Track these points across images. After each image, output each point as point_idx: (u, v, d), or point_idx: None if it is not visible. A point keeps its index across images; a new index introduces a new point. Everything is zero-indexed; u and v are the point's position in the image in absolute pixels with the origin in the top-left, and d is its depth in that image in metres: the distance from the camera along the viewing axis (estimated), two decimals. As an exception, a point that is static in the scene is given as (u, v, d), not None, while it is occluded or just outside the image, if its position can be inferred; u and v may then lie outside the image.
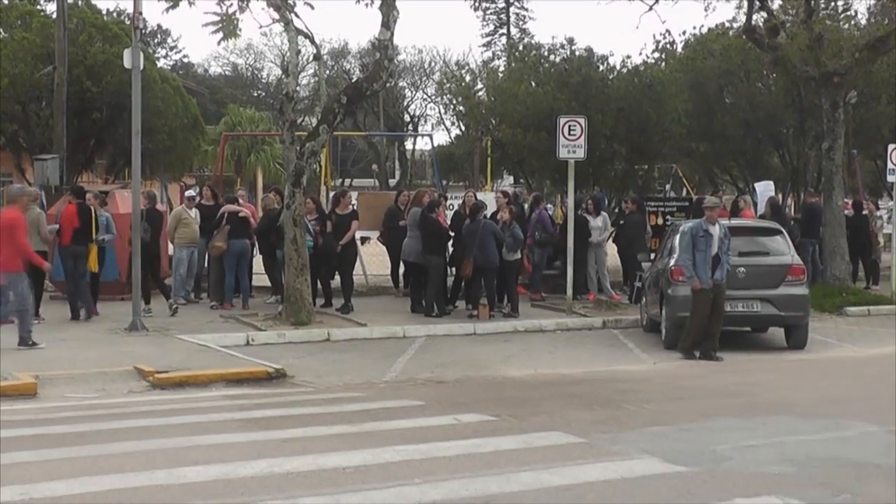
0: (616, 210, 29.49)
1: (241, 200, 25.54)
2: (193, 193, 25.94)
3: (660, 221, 28.33)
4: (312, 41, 23.16)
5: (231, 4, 22.05)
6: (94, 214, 21.84)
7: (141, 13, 20.79)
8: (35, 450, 10.47)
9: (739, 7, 32.18)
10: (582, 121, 23.81)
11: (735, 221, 22.22)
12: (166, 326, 20.65)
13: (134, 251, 20.76)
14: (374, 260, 28.99)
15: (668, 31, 36.29)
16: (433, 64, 78.67)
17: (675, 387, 15.36)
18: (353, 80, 33.75)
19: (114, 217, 22.77)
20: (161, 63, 69.45)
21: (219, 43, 22.59)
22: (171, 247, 24.82)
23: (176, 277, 24.55)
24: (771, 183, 33.40)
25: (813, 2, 28.57)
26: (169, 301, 22.74)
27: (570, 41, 33.15)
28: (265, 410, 13.31)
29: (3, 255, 17.60)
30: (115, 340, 19.20)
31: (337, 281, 24.28)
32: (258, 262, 25.07)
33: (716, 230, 18.28)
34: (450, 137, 72.49)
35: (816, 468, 9.76)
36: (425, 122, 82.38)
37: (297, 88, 25.94)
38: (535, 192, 30.94)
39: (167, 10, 21.53)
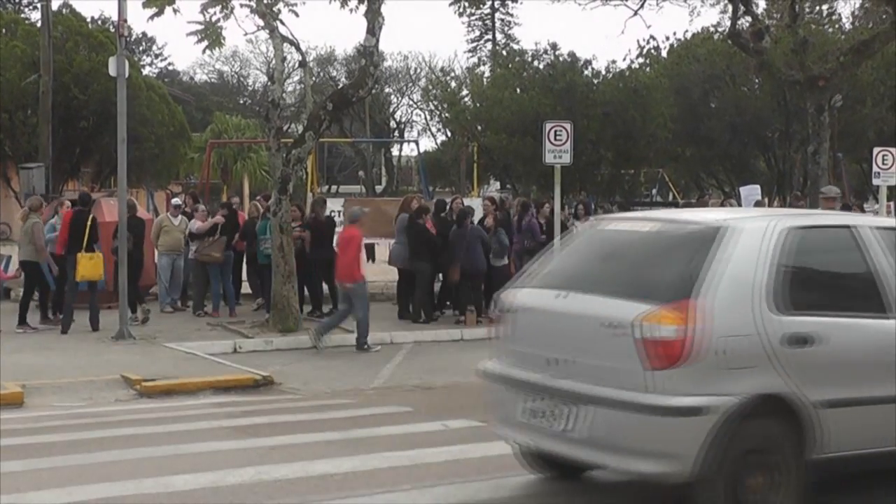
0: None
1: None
2: (180, 202, 25.89)
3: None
4: (298, 48, 23.18)
5: (214, 13, 22.04)
6: (90, 222, 21.49)
7: (126, 21, 20.75)
8: (23, 459, 10.43)
9: (724, 12, 32.33)
10: (568, 126, 23.81)
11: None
12: (153, 335, 20.60)
13: (120, 260, 20.69)
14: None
15: (653, 36, 36.42)
16: (419, 70, 78.51)
17: (663, 391, 15.35)
18: (339, 87, 33.80)
19: (100, 225, 22.64)
20: (147, 71, 69.54)
21: (204, 51, 22.60)
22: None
23: (161, 285, 24.54)
24: (757, 187, 33.45)
25: (797, 6, 28.64)
26: (143, 306, 22.67)
27: (554, 46, 33.19)
28: (253, 418, 13.28)
29: (342, 268, 19.82)
30: (102, 349, 19.14)
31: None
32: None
33: None
34: (436, 143, 72.52)
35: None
36: (411, 128, 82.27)
37: (283, 95, 25.92)
38: (521, 198, 30.81)
39: (152, 17, 21.53)
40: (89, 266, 21.09)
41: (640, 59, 35.15)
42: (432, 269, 23.21)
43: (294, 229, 22.55)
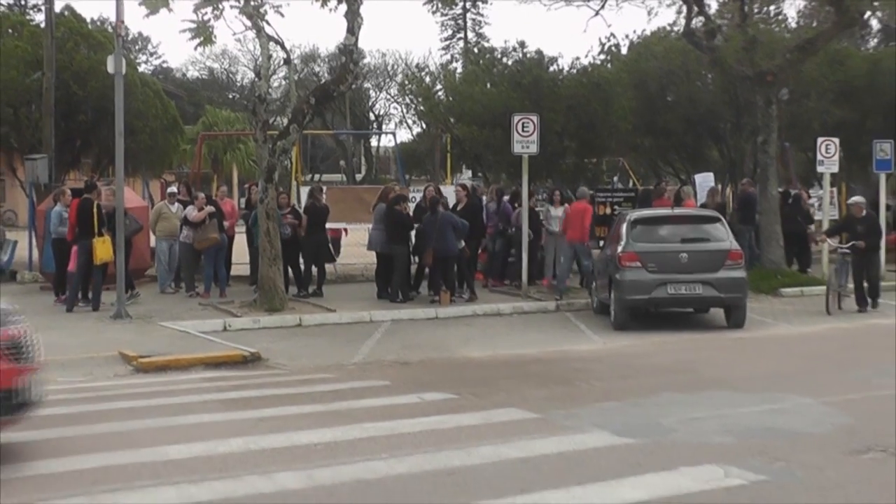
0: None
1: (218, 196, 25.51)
2: (175, 190, 25.80)
3: (608, 211, 28.32)
4: (283, 47, 23.08)
5: (206, 13, 21.95)
6: (95, 207, 21.29)
7: (123, 22, 20.70)
8: (25, 431, 10.38)
9: (679, 12, 32.22)
10: (534, 118, 23.78)
11: (678, 210, 22.34)
12: (149, 314, 20.53)
13: (117, 245, 20.60)
14: (343, 250, 28.86)
15: (613, 34, 36.41)
16: (396, 66, 78.18)
17: (624, 365, 15.37)
18: (322, 83, 33.60)
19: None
20: (142, 68, 69.09)
21: (196, 48, 22.49)
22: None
23: (160, 268, 24.49)
24: (711, 174, 33.46)
25: (747, 7, 28.64)
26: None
27: (522, 44, 33.00)
28: (242, 392, 13.26)
29: (576, 232, 23.21)
30: (101, 328, 19.11)
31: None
32: (238, 253, 25.08)
33: None
34: (412, 135, 72.23)
35: (755, 438, 9.80)
36: (389, 120, 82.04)
37: (269, 91, 25.74)
38: (495, 185, 30.59)
39: (147, 15, 21.33)
40: (104, 248, 21.00)
41: (602, 57, 35.04)
42: (409, 252, 23.25)
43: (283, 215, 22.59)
